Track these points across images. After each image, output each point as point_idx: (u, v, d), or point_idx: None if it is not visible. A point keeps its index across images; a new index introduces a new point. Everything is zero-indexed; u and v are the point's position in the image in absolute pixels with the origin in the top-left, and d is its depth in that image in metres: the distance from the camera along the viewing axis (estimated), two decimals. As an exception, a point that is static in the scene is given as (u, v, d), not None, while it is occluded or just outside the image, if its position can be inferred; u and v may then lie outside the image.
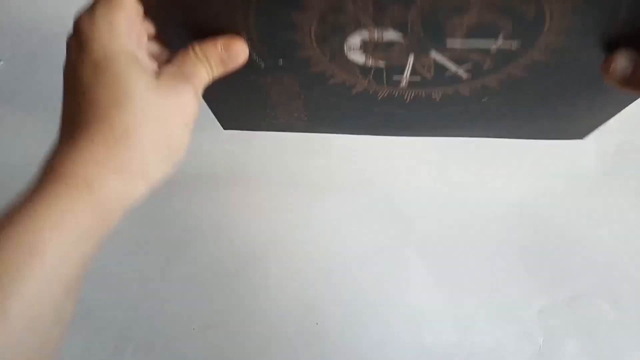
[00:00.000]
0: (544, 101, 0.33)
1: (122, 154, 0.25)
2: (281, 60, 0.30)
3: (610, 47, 0.27)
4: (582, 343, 0.42)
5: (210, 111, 0.38)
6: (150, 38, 0.29)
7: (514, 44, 0.27)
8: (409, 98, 0.34)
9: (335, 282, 0.43)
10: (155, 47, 0.29)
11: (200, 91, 0.28)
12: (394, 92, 0.33)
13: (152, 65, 0.28)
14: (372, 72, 0.31)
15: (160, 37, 0.29)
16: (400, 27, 0.26)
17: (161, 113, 0.26)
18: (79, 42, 0.25)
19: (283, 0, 0.25)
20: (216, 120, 0.40)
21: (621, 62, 0.26)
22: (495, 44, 0.27)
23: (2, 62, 0.47)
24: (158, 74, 0.27)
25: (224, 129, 0.43)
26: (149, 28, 0.28)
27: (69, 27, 0.25)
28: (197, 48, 0.28)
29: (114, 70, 0.25)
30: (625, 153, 0.45)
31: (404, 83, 0.32)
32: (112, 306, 0.43)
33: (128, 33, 0.26)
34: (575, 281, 0.43)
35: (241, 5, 0.26)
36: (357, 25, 0.26)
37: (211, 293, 0.43)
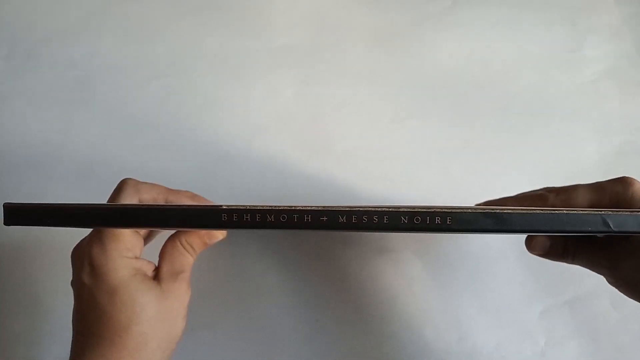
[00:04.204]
0: None
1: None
2: None
3: None
4: (584, 344, 0.42)
5: None
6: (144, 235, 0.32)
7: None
8: None
9: (336, 280, 0.43)
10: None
11: (189, 275, 0.32)
12: None
13: (150, 267, 0.31)
14: None
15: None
16: None
17: (167, 314, 0.30)
18: (93, 270, 0.29)
19: None
20: None
21: (541, 239, 0.33)
22: None
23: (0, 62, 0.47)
24: (157, 279, 0.30)
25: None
26: (143, 234, 0.32)
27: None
28: (183, 241, 0.31)
29: (128, 293, 0.28)
30: (626, 154, 0.45)
31: None
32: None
33: (134, 254, 0.30)
34: (577, 282, 0.42)
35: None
36: None
37: (209, 292, 0.42)
